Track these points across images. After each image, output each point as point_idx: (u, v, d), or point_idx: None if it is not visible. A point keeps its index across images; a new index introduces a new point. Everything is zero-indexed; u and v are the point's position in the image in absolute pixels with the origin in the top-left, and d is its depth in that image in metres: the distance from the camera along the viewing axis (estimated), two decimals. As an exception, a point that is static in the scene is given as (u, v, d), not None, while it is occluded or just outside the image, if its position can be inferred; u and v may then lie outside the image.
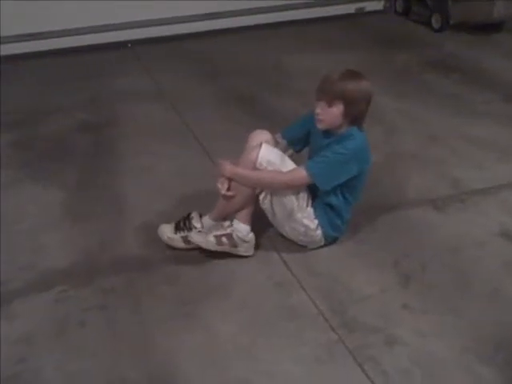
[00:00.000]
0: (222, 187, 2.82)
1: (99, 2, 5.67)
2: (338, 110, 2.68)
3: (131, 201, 3.45)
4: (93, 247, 3.07)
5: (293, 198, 2.78)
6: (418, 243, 3.02)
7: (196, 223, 2.96)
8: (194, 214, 2.99)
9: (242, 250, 2.92)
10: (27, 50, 5.64)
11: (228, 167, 2.81)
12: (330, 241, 2.96)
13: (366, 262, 2.90)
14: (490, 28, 5.97)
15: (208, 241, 2.88)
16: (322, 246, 2.97)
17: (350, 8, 6.71)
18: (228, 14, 6.22)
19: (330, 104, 2.69)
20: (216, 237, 2.88)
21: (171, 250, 3.00)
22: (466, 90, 4.78)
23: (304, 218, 2.84)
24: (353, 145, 2.70)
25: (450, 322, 2.54)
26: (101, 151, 4.03)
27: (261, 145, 2.76)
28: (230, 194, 2.82)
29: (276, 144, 2.93)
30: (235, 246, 2.90)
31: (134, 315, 2.64)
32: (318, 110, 2.74)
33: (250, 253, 2.94)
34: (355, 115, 2.71)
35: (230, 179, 2.82)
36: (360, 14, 6.76)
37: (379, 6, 6.88)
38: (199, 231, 2.92)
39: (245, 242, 2.89)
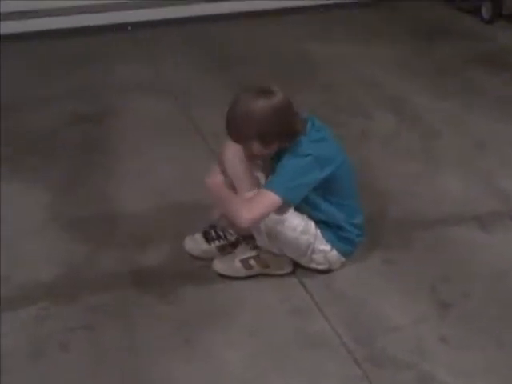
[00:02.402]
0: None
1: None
2: (255, 145, 2.68)
3: (126, 207, 3.45)
4: (80, 258, 3.07)
5: (304, 236, 2.79)
6: (459, 266, 3.00)
7: (227, 231, 3.06)
8: (222, 221, 3.06)
9: (276, 268, 2.94)
10: (12, 31, 5.67)
11: (214, 181, 2.82)
12: (348, 254, 2.96)
13: (397, 287, 2.88)
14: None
15: (234, 267, 2.93)
16: (346, 266, 2.96)
17: (387, -10, 6.71)
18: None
19: (245, 147, 2.72)
20: (242, 261, 2.92)
21: (171, 264, 3.01)
22: (519, 90, 4.76)
23: (320, 245, 2.86)
24: (304, 150, 2.67)
25: (496, 358, 2.51)
26: (94, 148, 4.04)
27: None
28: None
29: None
30: (267, 266, 2.92)
31: (125, 339, 2.63)
32: (243, 151, 2.77)
33: (288, 270, 2.95)
34: (281, 134, 2.67)
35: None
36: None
37: (421, -10, 6.87)
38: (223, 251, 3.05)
39: (276, 260, 2.91)
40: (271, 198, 2.63)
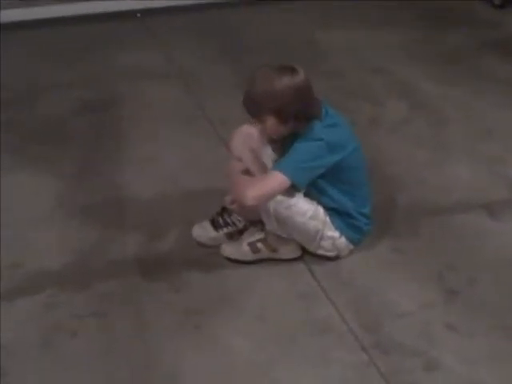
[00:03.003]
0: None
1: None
2: (271, 121, 2.71)
3: (135, 194, 3.46)
4: (89, 246, 3.09)
5: (313, 222, 2.81)
6: (467, 253, 3.00)
7: (236, 217, 3.07)
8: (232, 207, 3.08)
9: (284, 252, 2.95)
10: (21, 18, 5.67)
11: (235, 165, 2.83)
12: (356, 242, 2.97)
13: (405, 274, 2.89)
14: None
15: (242, 251, 2.94)
16: (354, 254, 2.97)
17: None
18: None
19: (260, 121, 2.74)
20: (250, 244, 2.94)
21: (180, 251, 3.03)
22: (529, 77, 4.73)
23: (329, 231, 2.86)
24: (316, 134, 2.69)
25: (503, 346, 2.52)
26: (102, 136, 4.05)
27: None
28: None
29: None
30: (275, 250, 2.94)
31: (134, 326, 2.65)
32: (259, 128, 2.80)
33: (297, 254, 2.97)
34: (299, 114, 2.69)
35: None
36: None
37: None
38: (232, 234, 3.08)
39: (284, 243, 2.92)
40: (278, 178, 2.64)
